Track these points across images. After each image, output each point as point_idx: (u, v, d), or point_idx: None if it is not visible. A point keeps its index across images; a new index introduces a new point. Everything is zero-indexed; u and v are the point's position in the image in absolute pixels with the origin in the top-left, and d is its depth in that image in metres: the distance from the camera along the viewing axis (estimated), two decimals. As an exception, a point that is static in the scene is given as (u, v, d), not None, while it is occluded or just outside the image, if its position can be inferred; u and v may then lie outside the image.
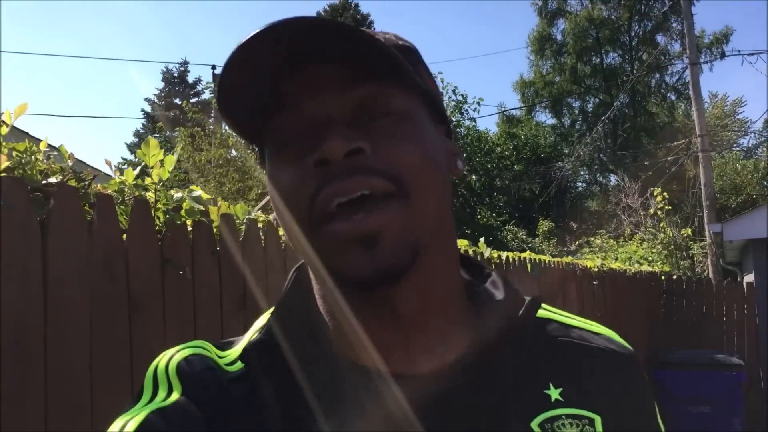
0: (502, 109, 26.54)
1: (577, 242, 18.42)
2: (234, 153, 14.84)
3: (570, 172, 24.39)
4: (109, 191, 1.70)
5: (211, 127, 15.73)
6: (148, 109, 25.60)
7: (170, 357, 0.69)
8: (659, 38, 26.32)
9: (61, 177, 1.52)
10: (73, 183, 1.57)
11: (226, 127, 15.80)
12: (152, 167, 1.81)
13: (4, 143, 1.44)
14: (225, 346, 0.73)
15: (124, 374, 1.66)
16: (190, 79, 26.33)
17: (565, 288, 5.35)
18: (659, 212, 13.08)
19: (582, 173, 26.12)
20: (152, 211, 1.79)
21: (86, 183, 1.57)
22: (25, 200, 1.44)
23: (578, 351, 0.74)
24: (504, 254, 4.41)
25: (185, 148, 14.63)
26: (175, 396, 0.66)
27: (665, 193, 13.24)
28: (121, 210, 1.74)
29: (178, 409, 0.64)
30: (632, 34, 26.74)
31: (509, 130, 24.37)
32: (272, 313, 0.72)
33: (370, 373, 0.67)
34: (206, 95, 24.12)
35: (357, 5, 29.22)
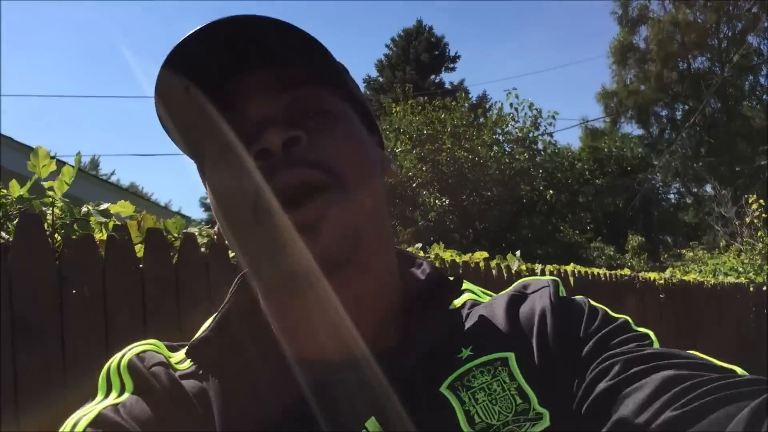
0: (583, 121, 25.79)
1: (666, 255, 17.49)
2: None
3: (660, 183, 23.36)
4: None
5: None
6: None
7: (122, 355, 0.71)
8: (750, 39, 24.96)
9: None
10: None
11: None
12: (44, 179, 1.67)
13: None
14: (176, 348, 0.75)
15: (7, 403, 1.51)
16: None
17: (621, 302, 4.94)
18: (756, 221, 12.25)
19: (673, 184, 24.95)
20: (46, 226, 1.65)
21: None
22: None
23: (487, 309, 0.75)
24: (539, 267, 4.09)
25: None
26: (128, 391, 0.67)
27: (761, 200, 12.39)
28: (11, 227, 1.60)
29: (130, 404, 0.66)
30: (721, 36, 25.49)
31: (592, 143, 23.59)
32: (217, 314, 0.74)
33: (313, 363, 0.69)
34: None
35: (431, 28, 29.26)
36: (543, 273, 4.07)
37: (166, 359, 0.71)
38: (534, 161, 16.81)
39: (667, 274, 6.07)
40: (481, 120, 17.49)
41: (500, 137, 16.83)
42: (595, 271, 4.80)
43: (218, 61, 0.65)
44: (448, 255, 3.34)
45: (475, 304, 0.77)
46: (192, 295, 1.98)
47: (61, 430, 0.65)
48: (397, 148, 15.70)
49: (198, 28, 0.62)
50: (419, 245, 3.48)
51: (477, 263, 3.51)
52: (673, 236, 21.43)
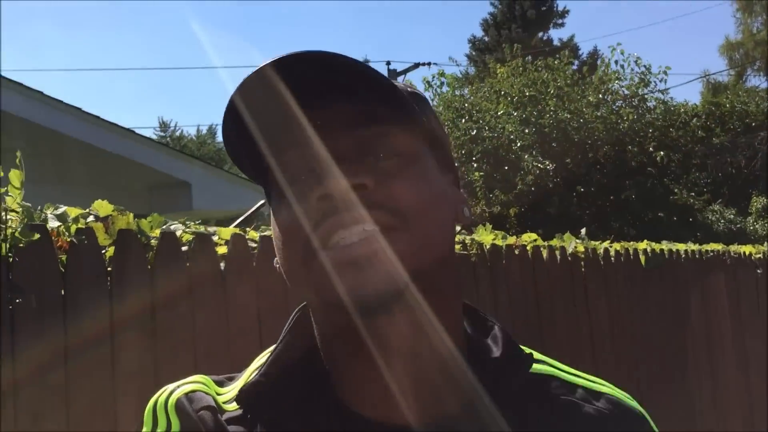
0: (704, 75, 24.14)
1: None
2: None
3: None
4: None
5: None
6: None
7: (170, 392, 0.71)
8: None
9: None
10: None
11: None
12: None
13: None
14: (225, 383, 0.75)
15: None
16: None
17: (706, 283, 4.53)
18: None
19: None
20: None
21: None
22: None
23: (579, 412, 0.72)
24: (602, 246, 3.78)
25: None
26: (174, 431, 0.68)
27: None
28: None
29: None
30: None
31: (713, 99, 22.04)
32: (271, 355, 0.73)
33: (366, 423, 0.68)
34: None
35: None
36: (607, 252, 3.77)
37: (214, 400, 0.71)
38: (642, 121, 15.87)
39: (765, 247, 5.52)
40: (587, 79, 16.68)
41: (606, 96, 15.99)
42: (675, 247, 4.41)
43: (292, 92, 0.64)
44: (489, 238, 3.12)
45: (561, 386, 0.75)
46: (171, 301, 1.91)
47: None
48: (500, 110, 15.27)
49: (275, 58, 0.62)
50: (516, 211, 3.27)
51: (524, 246, 3.28)
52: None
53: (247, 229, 2.37)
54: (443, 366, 0.69)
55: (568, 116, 15.04)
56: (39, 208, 1.79)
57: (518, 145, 14.90)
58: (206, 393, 0.71)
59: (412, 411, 0.67)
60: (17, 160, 1.76)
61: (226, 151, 0.71)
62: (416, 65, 20.10)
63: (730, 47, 25.39)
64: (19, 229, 1.65)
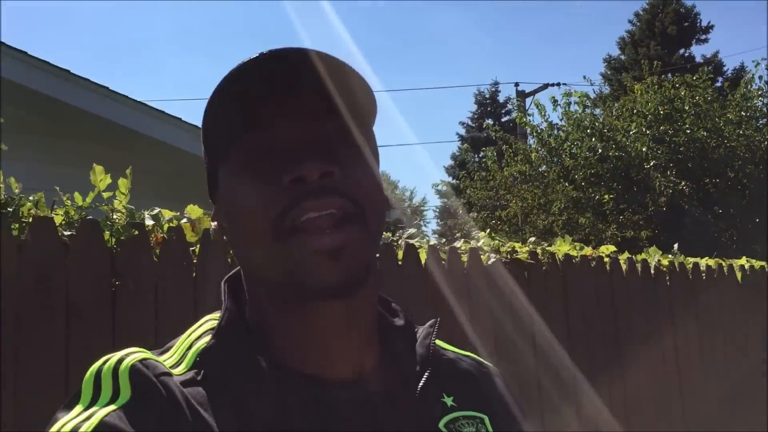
0: None
1: None
2: (542, 168, 14.85)
3: None
4: (47, 214, 1.94)
5: (515, 144, 15.94)
6: (463, 132, 26.81)
7: (119, 359, 0.71)
8: None
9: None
10: (8, 209, 1.84)
11: (530, 143, 15.88)
12: (103, 191, 2.02)
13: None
14: (156, 354, 0.77)
15: (58, 379, 1.88)
16: (501, 97, 26.94)
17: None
18: None
19: None
20: (105, 231, 2.00)
21: (16, 207, 1.83)
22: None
23: (458, 366, 0.88)
24: (691, 260, 3.77)
25: (491, 166, 15.03)
26: (123, 399, 0.66)
27: None
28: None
29: (131, 411, 0.65)
30: None
31: None
32: (219, 321, 0.78)
33: (307, 379, 0.74)
34: (514, 113, 24.39)
35: (680, -2, 27.04)
36: (697, 267, 3.75)
37: (165, 368, 0.72)
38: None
39: None
40: (728, 96, 15.89)
41: (749, 114, 15.16)
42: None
43: (266, 82, 0.71)
44: (564, 248, 3.24)
45: (440, 351, 0.87)
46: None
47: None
48: (632, 130, 14.88)
49: (260, 53, 0.71)
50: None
51: (600, 257, 3.36)
52: None
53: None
54: (370, 333, 0.80)
55: (705, 134, 14.40)
56: (141, 210, 2.17)
57: (650, 164, 14.44)
58: (157, 361, 0.73)
59: (352, 368, 0.76)
60: (127, 171, 2.14)
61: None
62: (545, 86, 19.96)
63: None
64: (122, 226, 2.02)
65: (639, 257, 3.57)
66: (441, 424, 0.77)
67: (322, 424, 0.71)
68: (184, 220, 2.23)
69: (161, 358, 0.75)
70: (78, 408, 0.66)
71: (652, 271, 3.52)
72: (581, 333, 3.13)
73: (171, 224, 2.15)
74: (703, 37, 27.18)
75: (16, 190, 1.93)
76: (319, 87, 0.72)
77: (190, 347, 0.77)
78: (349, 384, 0.75)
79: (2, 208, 1.84)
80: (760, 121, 15.26)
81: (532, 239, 3.38)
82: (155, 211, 2.11)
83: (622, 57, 27.26)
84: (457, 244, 3.13)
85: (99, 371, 0.70)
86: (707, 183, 14.62)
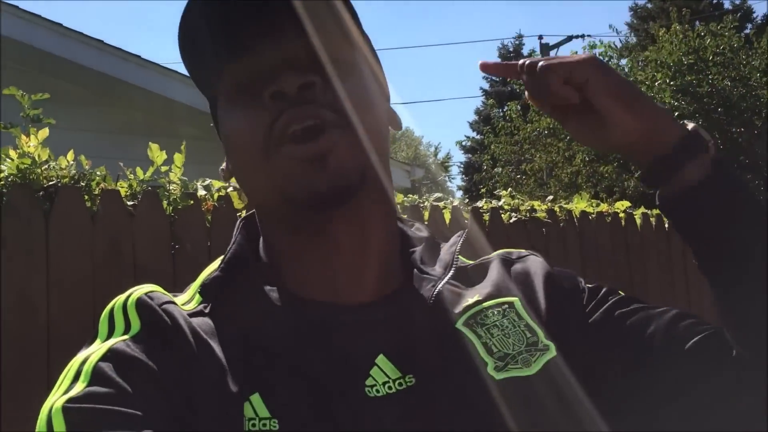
0: None
1: None
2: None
3: None
4: (114, 187, 2.20)
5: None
6: (486, 86, 26.67)
7: (127, 296, 0.72)
8: None
9: (62, 181, 2.05)
10: (81, 183, 2.10)
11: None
12: (161, 165, 2.28)
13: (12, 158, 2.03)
14: (176, 295, 0.77)
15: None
16: (525, 51, 26.65)
17: None
18: None
19: None
20: (163, 201, 2.25)
21: (88, 182, 2.09)
22: (30, 200, 2.01)
23: (479, 269, 0.84)
24: None
25: (516, 120, 15.06)
26: (134, 330, 0.68)
27: None
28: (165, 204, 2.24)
29: (141, 338, 0.67)
30: None
31: None
32: (225, 255, 0.77)
33: (323, 305, 0.73)
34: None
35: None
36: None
37: (172, 299, 0.73)
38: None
39: None
40: (755, 44, 15.66)
41: (776, 61, 14.95)
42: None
43: (240, 5, 0.70)
44: (582, 205, 3.44)
45: (464, 264, 0.84)
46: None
47: (66, 370, 0.66)
48: (656, 81, 14.79)
49: None
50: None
51: (616, 213, 3.56)
52: None
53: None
54: (386, 251, 0.78)
55: (729, 84, 14.29)
56: (194, 180, 2.41)
57: (675, 115, 14.35)
58: (164, 293, 0.74)
59: (362, 290, 0.75)
60: (182, 146, 2.38)
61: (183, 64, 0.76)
62: (569, 38, 19.81)
63: None
64: (178, 196, 2.27)
65: (654, 212, 3.74)
66: (459, 323, 0.74)
67: (326, 349, 0.69)
68: (231, 188, 2.47)
69: (176, 297, 0.75)
70: (97, 343, 0.69)
71: (666, 226, 3.70)
72: (595, 280, 3.34)
73: (220, 193, 2.39)
74: (732, -19, 26.54)
75: (86, 166, 2.19)
76: (294, 5, 0.70)
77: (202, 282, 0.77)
78: (363, 307, 0.74)
79: (77, 183, 2.09)
80: (788, 69, 15.05)
81: (550, 198, 3.58)
82: (206, 182, 2.36)
83: (649, 5, 26.79)
84: (480, 203, 3.34)
85: (112, 309, 0.71)
86: (734, 132, 14.54)
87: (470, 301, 0.77)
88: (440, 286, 0.76)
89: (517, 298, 0.78)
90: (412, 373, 0.69)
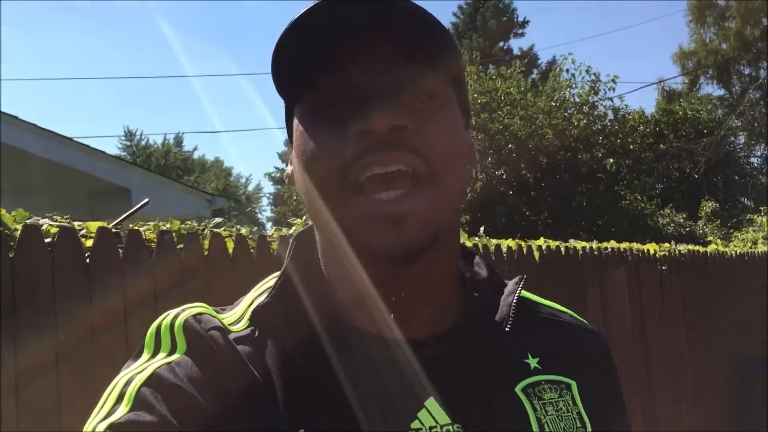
0: (658, 81, 24.71)
1: (735, 219, 16.71)
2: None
3: (741, 145, 22.24)
4: None
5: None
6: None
7: (175, 315, 0.71)
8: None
9: None
10: None
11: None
12: None
13: None
14: (219, 312, 0.76)
15: None
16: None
17: (606, 278, 4.79)
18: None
19: (757, 145, 23.63)
20: None
21: None
22: None
23: (549, 325, 0.82)
24: (505, 243, 4.01)
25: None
26: (179, 353, 0.68)
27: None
28: None
29: (185, 364, 0.66)
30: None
31: (667, 106, 22.57)
32: (278, 279, 0.75)
33: (376, 339, 0.71)
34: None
35: (498, -6, 28.55)
36: (498, 248, 4.00)
37: (221, 323, 0.72)
38: (591, 128, 16.27)
39: (669, 246, 5.81)
40: (540, 87, 17.04)
41: (557, 104, 16.35)
42: (572, 244, 4.67)
43: (341, 21, 0.66)
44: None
45: (533, 309, 0.84)
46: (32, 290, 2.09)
47: (110, 388, 0.66)
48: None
49: None
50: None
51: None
52: (751, 201, 20.35)
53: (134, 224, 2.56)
54: (446, 294, 0.76)
55: (519, 122, 15.35)
56: None
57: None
58: (213, 315, 0.73)
59: (416, 330, 0.73)
60: None
61: (271, 71, 0.71)
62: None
63: (683, 56, 26.01)
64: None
65: (475, 241, 3.74)
66: (518, 388, 0.73)
67: (375, 387, 0.68)
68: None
69: (222, 315, 0.75)
70: (144, 357, 0.69)
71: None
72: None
73: None
74: (520, 31, 28.97)
75: None
76: (396, 31, 0.67)
77: (251, 304, 0.76)
78: (417, 345, 0.72)
79: None
80: (568, 111, 16.46)
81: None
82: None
83: (447, 48, 28.34)
84: (271, 232, 3.12)
85: (159, 326, 0.71)
86: (522, 169, 15.59)
87: (531, 363, 0.76)
88: (503, 328, 0.76)
89: (575, 382, 0.77)
90: (461, 423, 0.69)
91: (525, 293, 0.85)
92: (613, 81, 16.23)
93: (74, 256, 2.22)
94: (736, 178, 21.07)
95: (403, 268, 0.69)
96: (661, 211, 18.01)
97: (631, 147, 17.25)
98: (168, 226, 2.58)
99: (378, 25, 0.67)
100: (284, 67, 0.71)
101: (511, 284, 0.82)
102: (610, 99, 16.82)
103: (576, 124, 15.88)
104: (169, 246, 2.46)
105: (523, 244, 4.18)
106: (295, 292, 0.74)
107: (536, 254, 4.21)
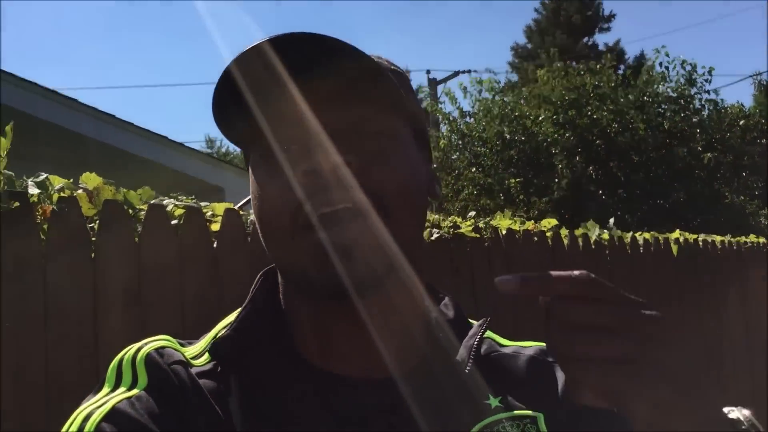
0: (755, 74, 23.48)
1: None
2: (453, 156, 14.82)
3: None
4: None
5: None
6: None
7: (137, 348, 0.71)
8: None
9: None
10: None
11: (442, 131, 15.78)
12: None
13: None
14: (185, 344, 0.76)
15: None
16: (413, 84, 26.71)
17: (746, 274, 4.33)
18: None
19: None
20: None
21: None
22: None
23: (511, 361, 0.80)
24: (629, 234, 3.64)
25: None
26: (141, 386, 0.67)
27: None
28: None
29: (145, 399, 0.66)
30: None
31: (765, 99, 21.35)
32: (239, 313, 0.75)
33: (332, 378, 0.71)
34: (425, 102, 24.24)
35: (581, -12, 27.69)
36: (635, 241, 3.63)
37: (183, 357, 0.72)
38: (690, 122, 15.48)
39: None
40: (631, 82, 16.35)
41: (651, 98, 15.61)
42: (710, 237, 4.23)
43: (285, 64, 0.66)
44: (506, 223, 3.02)
45: (496, 350, 0.81)
46: (156, 270, 1.88)
47: (69, 422, 0.65)
48: (541, 115, 15.03)
49: (271, 36, 0.65)
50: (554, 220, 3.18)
51: (543, 232, 3.17)
52: None
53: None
54: (406, 332, 0.75)
55: (608, 116, 14.75)
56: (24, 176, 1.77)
57: (557, 149, 14.65)
58: (176, 349, 0.72)
59: (376, 369, 0.71)
60: (7, 128, 1.74)
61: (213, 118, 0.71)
62: (456, 73, 19.99)
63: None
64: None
65: (578, 231, 3.40)
66: (475, 429, 0.71)
67: (329, 426, 0.67)
68: (80, 190, 1.85)
69: (186, 349, 0.74)
70: (104, 391, 0.68)
71: (593, 245, 3.36)
72: (526, 309, 2.92)
73: (62, 194, 1.76)
74: (606, 26, 28.03)
75: None
76: (336, 72, 0.67)
77: (214, 337, 0.76)
78: (373, 385, 0.71)
79: None
80: (662, 106, 15.72)
81: (472, 213, 3.16)
82: (41, 178, 1.72)
83: (529, 45, 27.77)
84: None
85: (121, 360, 0.70)
86: (612, 167, 14.96)
87: (492, 403, 0.74)
88: (463, 370, 0.73)
89: (541, 414, 0.74)
90: None
91: (492, 335, 0.84)
92: (709, 73, 15.42)
93: (201, 237, 2.00)
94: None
95: (359, 301, 0.67)
96: (763, 211, 16.96)
97: (731, 142, 16.34)
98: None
99: (321, 67, 0.67)
100: (226, 124, 0.71)
101: (475, 326, 0.80)
102: (708, 92, 15.97)
103: (671, 116, 15.14)
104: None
105: (660, 236, 3.78)
106: (256, 327, 0.73)
107: (674, 247, 3.81)
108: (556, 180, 14.10)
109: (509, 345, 0.84)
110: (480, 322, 0.80)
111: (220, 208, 2.09)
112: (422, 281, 0.78)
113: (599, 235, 3.38)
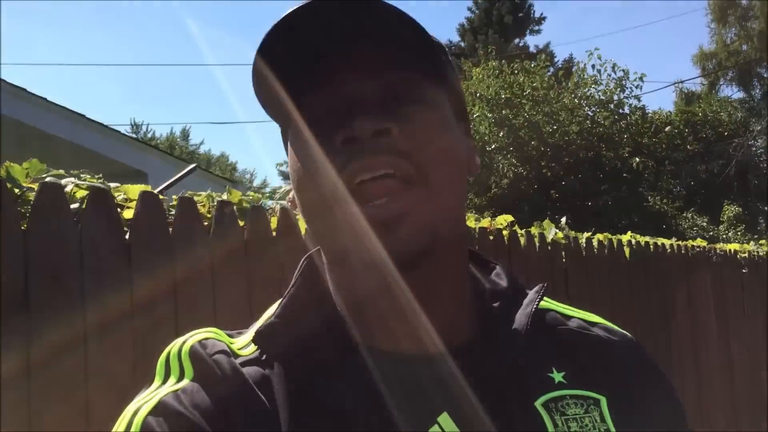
0: (678, 82, 24.20)
1: (764, 225, 16.21)
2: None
3: (762, 149, 21.83)
4: None
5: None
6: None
7: (183, 342, 0.71)
8: None
9: None
10: None
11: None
12: None
13: None
14: (234, 335, 0.75)
15: None
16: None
17: (693, 278, 4.22)
18: None
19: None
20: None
21: None
22: None
23: (578, 337, 0.78)
24: (584, 236, 3.44)
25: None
26: (187, 379, 0.67)
27: None
28: None
29: (190, 391, 0.66)
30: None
31: (686, 108, 22.01)
32: (283, 299, 0.74)
33: (385, 355, 0.69)
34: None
35: (514, -11, 27.96)
36: (589, 243, 3.42)
37: (228, 347, 0.71)
38: (618, 126, 15.71)
39: (752, 246, 5.24)
40: (563, 84, 16.49)
41: (582, 101, 15.78)
42: (660, 241, 4.09)
43: (322, 32, 0.65)
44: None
45: (562, 323, 0.79)
46: (48, 268, 1.50)
47: (122, 417, 0.65)
48: (474, 113, 14.96)
49: (305, 2, 0.63)
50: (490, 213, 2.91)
51: (499, 230, 2.91)
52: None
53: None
54: (457, 305, 0.72)
55: (543, 118, 14.82)
56: None
57: (492, 147, 14.64)
58: (219, 340, 0.71)
59: (427, 343, 0.69)
60: None
61: (254, 91, 0.69)
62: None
63: (703, 57, 25.49)
64: None
65: (534, 230, 3.17)
66: (538, 402, 0.68)
67: (385, 404, 0.65)
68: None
69: (233, 340, 0.73)
70: (154, 385, 0.69)
71: (549, 246, 3.13)
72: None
73: None
74: (537, 28, 28.41)
75: None
76: (376, 37, 0.66)
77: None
78: (429, 360, 0.68)
79: None
80: (593, 108, 15.91)
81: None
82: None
83: (462, 44, 27.85)
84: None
85: (168, 354, 0.71)
86: (544, 167, 15.05)
87: (555, 377, 0.72)
88: (523, 339, 0.71)
89: (605, 398, 0.72)
90: None
91: (552, 303, 0.82)
92: (640, 79, 15.66)
93: (109, 228, 1.62)
94: (756, 182, 20.53)
95: (407, 274, 0.66)
96: (683, 214, 17.43)
97: (657, 147, 16.63)
98: (226, 197, 1.98)
99: (360, 33, 0.66)
100: (268, 95, 0.69)
101: (531, 293, 0.77)
102: (636, 98, 16.25)
103: (601, 121, 15.33)
104: (231, 221, 1.87)
105: (613, 238, 3.59)
106: (302, 311, 0.72)
107: (626, 250, 3.63)
108: (494, 179, 14.07)
109: (574, 317, 0.81)
110: (537, 288, 0.77)
111: (134, 190, 1.71)
112: (466, 251, 0.76)
113: (555, 234, 3.15)
